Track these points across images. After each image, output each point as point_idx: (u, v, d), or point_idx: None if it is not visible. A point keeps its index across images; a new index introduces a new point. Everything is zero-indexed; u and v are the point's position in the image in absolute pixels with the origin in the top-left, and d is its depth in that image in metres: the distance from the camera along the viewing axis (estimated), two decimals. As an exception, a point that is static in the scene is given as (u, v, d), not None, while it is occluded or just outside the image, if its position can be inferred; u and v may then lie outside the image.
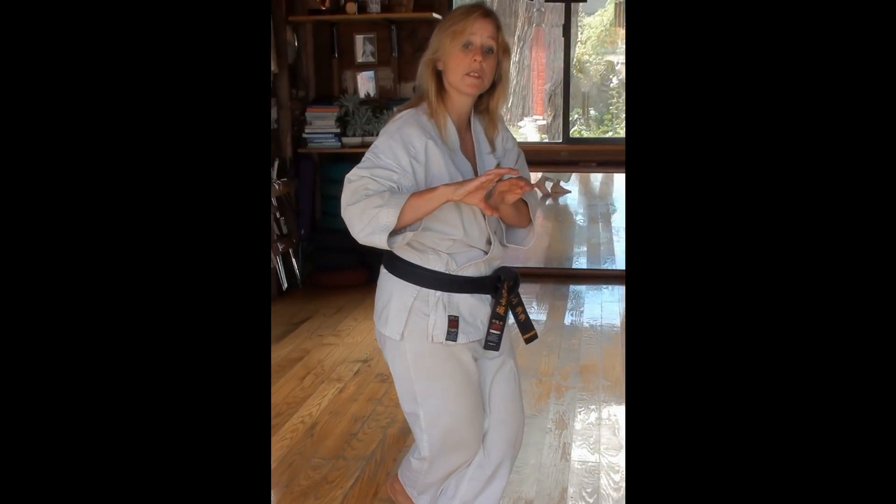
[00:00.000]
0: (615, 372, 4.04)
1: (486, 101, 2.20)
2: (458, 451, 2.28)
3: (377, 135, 2.12)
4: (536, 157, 6.47)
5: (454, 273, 2.13)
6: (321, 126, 5.61)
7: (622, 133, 10.80)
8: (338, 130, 5.60)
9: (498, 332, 2.17)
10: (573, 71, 14.18)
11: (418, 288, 2.13)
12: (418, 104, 2.15)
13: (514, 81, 14.71)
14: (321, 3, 5.53)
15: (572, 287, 5.76)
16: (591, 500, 2.85)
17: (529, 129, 14.47)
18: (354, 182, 2.00)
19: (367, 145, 3.81)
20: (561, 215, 9.78)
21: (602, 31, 14.90)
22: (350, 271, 5.57)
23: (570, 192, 10.70)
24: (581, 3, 6.72)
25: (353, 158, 2.06)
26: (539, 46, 15.03)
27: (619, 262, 6.64)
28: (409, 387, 2.22)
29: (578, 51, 14.92)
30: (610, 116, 14.07)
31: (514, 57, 14.75)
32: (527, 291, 5.54)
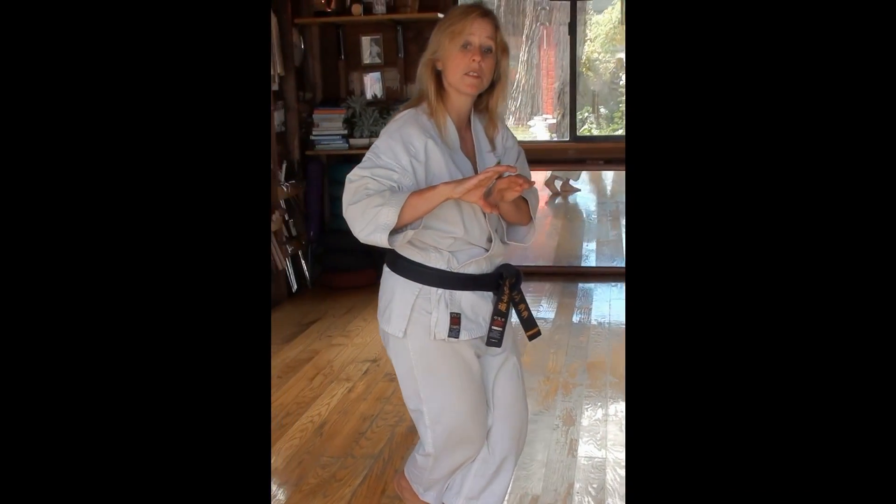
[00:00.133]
0: (622, 369, 4.05)
1: (485, 100, 2.22)
2: (463, 447, 2.30)
3: (381, 135, 2.15)
4: (544, 155, 6.49)
5: (456, 270, 2.15)
6: (328, 128, 5.64)
7: (631, 130, 10.75)
8: (345, 132, 5.62)
9: (500, 329, 2.19)
10: (582, 69, 14.19)
11: (420, 285, 2.15)
12: (418, 104, 2.17)
13: (523, 80, 14.71)
14: (326, 5, 5.56)
15: (581, 285, 5.78)
16: (597, 496, 2.86)
17: (539, 128, 14.47)
18: (355, 182, 2.02)
19: (372, 146, 3.82)
20: (570, 213, 9.78)
21: (611, 28, 14.88)
22: (359, 272, 5.61)
23: (579, 190, 10.71)
24: (588, 1, 6.71)
25: (361, 160, 2.08)
26: (548, 45, 15.02)
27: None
28: (412, 384, 2.24)
29: (588, 49, 14.91)
30: (620, 114, 14.06)
31: (523, 56, 14.75)
32: (536, 289, 5.57)
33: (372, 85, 5.84)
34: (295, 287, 5.57)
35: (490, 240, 2.18)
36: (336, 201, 5.77)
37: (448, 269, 2.14)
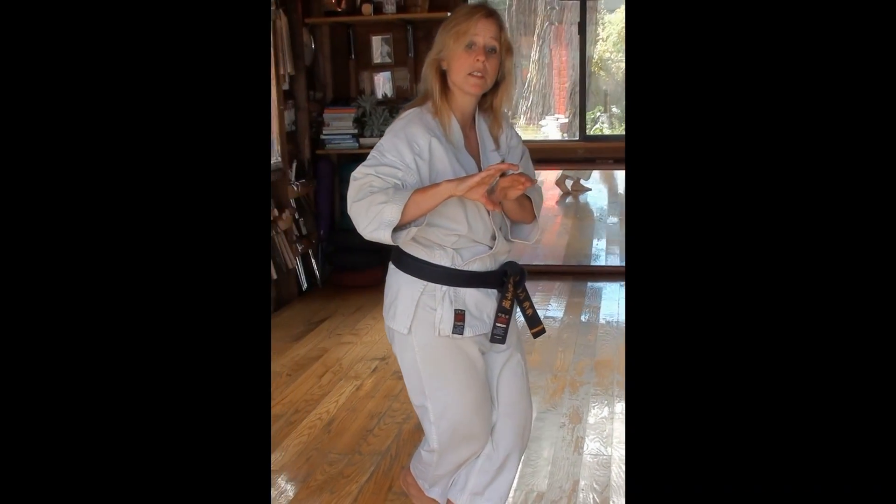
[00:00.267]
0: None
1: (490, 100, 2.24)
2: (467, 442, 2.32)
3: (391, 134, 2.17)
4: (553, 154, 6.51)
5: (460, 268, 2.17)
6: (339, 127, 5.66)
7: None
8: (355, 131, 5.65)
9: (504, 326, 2.21)
10: (594, 69, 14.17)
11: (425, 283, 2.18)
12: (423, 103, 2.20)
13: (535, 80, 14.71)
14: (337, 4, 5.58)
15: (590, 284, 5.78)
16: (601, 492, 2.88)
17: (551, 128, 14.47)
18: (360, 179, 2.05)
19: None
20: (580, 213, 9.78)
21: (623, 28, 14.85)
22: (369, 271, 5.63)
23: (590, 189, 10.70)
24: (599, 0, 6.71)
25: (369, 158, 2.11)
26: (560, 44, 15.01)
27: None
28: (417, 380, 2.27)
29: (600, 48, 14.88)
30: (631, 114, 13.99)
31: (534, 55, 14.76)
32: (545, 288, 5.59)
33: (382, 84, 5.86)
34: (305, 286, 5.60)
35: (494, 237, 2.20)
36: (346, 200, 5.78)
37: (452, 267, 2.17)
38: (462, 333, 2.17)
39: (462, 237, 2.15)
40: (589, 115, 12.92)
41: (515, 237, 2.28)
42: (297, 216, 5.50)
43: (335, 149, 5.71)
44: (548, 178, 10.95)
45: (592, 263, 6.90)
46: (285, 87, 5.34)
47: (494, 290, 2.24)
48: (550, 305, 5.27)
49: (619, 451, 3.16)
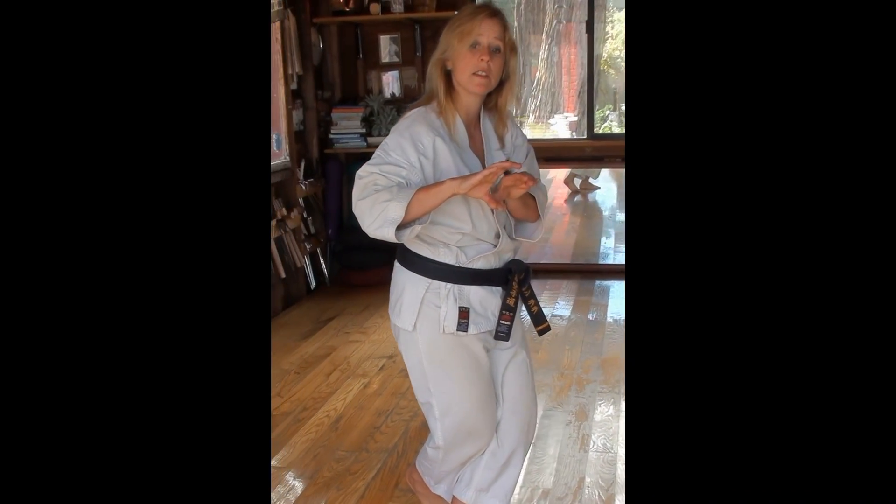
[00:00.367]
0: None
1: (494, 99, 2.25)
2: (472, 439, 2.34)
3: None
4: (561, 153, 6.50)
5: (464, 265, 2.19)
6: (347, 126, 5.69)
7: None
8: (363, 130, 5.67)
9: (508, 323, 2.23)
10: (603, 67, 14.15)
11: (430, 280, 2.19)
12: (428, 102, 2.21)
13: (544, 78, 14.70)
14: (345, 4, 5.60)
15: (598, 282, 5.79)
16: (607, 489, 2.89)
17: (560, 126, 14.45)
18: (365, 178, 2.07)
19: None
20: (589, 211, 9.78)
21: (632, 26, 14.77)
22: (377, 269, 5.64)
23: (598, 188, 10.69)
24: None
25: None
26: (569, 42, 15.00)
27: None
28: (422, 377, 2.29)
29: (609, 46, 14.85)
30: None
31: (543, 53, 14.75)
32: (553, 287, 5.60)
33: (390, 84, 5.88)
34: (313, 284, 5.63)
35: (498, 236, 2.22)
36: (353, 199, 5.80)
37: (456, 264, 2.18)
38: (466, 331, 2.19)
39: (466, 235, 2.17)
40: (598, 114, 12.90)
41: (519, 235, 2.30)
42: (305, 215, 5.53)
43: (343, 148, 5.73)
44: (556, 176, 10.96)
45: (600, 262, 6.90)
46: (294, 86, 5.37)
47: (499, 288, 2.26)
48: (558, 304, 5.28)
49: (624, 449, 3.17)
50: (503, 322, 2.23)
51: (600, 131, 10.91)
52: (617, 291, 5.54)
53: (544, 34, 14.80)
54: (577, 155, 6.48)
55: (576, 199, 10.42)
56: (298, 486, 3.02)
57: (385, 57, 5.86)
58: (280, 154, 5.27)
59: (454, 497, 2.47)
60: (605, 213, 9.64)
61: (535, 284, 2.35)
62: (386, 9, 5.55)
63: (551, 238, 7.54)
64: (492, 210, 2.16)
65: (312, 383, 4.02)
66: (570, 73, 15.15)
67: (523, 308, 2.35)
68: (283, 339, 4.67)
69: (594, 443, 3.27)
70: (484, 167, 2.18)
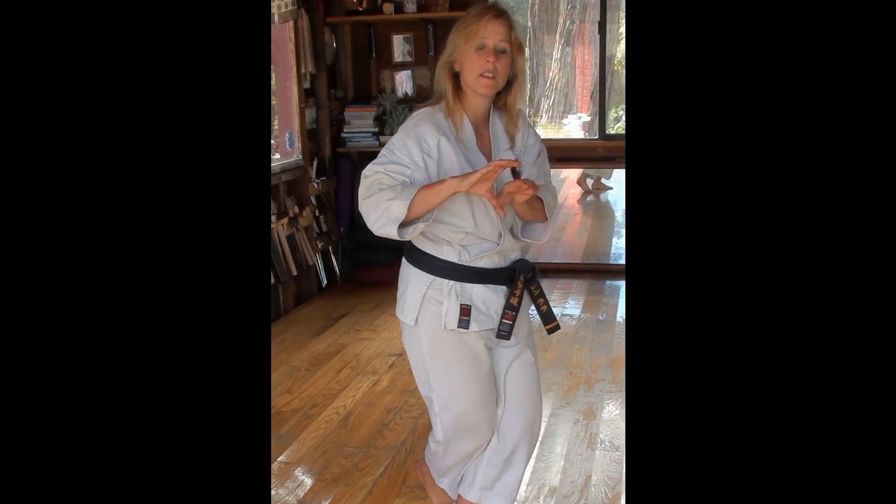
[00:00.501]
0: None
1: (503, 98, 2.26)
2: (470, 435, 2.37)
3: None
4: (573, 153, 6.50)
5: (467, 264, 2.21)
6: (359, 125, 5.72)
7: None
8: (376, 129, 5.70)
9: (510, 322, 2.25)
10: (617, 67, 14.11)
11: (432, 277, 2.22)
12: (437, 103, 2.23)
13: (557, 78, 14.68)
14: (358, 4, 5.63)
15: (609, 282, 5.80)
16: (613, 488, 2.91)
17: (574, 126, 14.43)
18: (370, 177, 2.10)
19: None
20: (601, 211, 9.77)
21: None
22: (388, 267, 5.66)
23: (611, 188, 10.67)
24: None
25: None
26: (583, 43, 14.97)
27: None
28: (423, 372, 2.33)
29: (622, 47, 14.79)
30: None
31: (557, 54, 14.74)
32: (564, 286, 5.61)
33: (403, 83, 5.90)
34: (325, 282, 5.66)
35: (501, 235, 2.23)
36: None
37: (459, 263, 2.21)
38: (467, 328, 2.21)
39: (469, 234, 2.19)
40: (611, 114, 12.87)
41: (526, 237, 2.31)
42: (317, 213, 5.56)
43: (356, 147, 5.76)
44: (569, 176, 10.95)
45: (611, 262, 6.90)
46: (307, 85, 5.40)
47: (504, 287, 2.27)
48: (568, 303, 5.29)
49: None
50: (505, 321, 2.25)
51: (613, 132, 10.88)
52: (627, 291, 5.54)
53: (558, 34, 14.79)
54: (590, 155, 6.49)
55: (588, 199, 10.41)
56: (307, 481, 3.05)
57: (398, 56, 5.88)
58: (293, 152, 5.31)
59: (459, 496, 2.50)
60: (617, 214, 9.62)
61: (546, 284, 2.36)
62: (399, 8, 5.57)
63: (563, 237, 7.55)
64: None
65: (322, 380, 4.05)
66: (583, 73, 15.14)
67: (532, 307, 2.36)
68: (294, 336, 4.70)
69: (601, 441, 3.28)
70: (491, 167, 2.20)
